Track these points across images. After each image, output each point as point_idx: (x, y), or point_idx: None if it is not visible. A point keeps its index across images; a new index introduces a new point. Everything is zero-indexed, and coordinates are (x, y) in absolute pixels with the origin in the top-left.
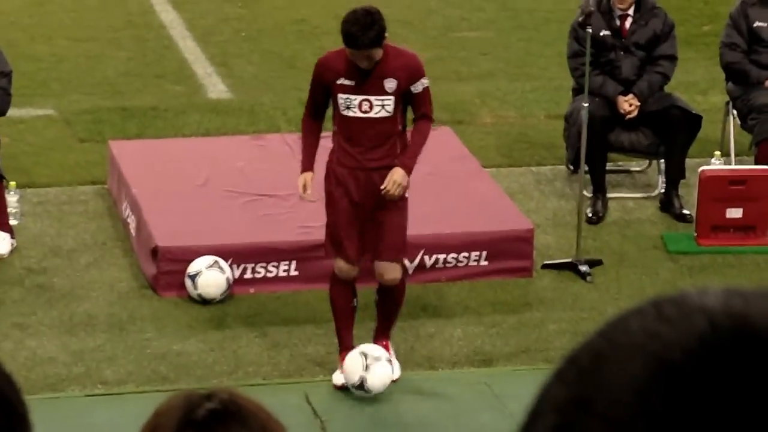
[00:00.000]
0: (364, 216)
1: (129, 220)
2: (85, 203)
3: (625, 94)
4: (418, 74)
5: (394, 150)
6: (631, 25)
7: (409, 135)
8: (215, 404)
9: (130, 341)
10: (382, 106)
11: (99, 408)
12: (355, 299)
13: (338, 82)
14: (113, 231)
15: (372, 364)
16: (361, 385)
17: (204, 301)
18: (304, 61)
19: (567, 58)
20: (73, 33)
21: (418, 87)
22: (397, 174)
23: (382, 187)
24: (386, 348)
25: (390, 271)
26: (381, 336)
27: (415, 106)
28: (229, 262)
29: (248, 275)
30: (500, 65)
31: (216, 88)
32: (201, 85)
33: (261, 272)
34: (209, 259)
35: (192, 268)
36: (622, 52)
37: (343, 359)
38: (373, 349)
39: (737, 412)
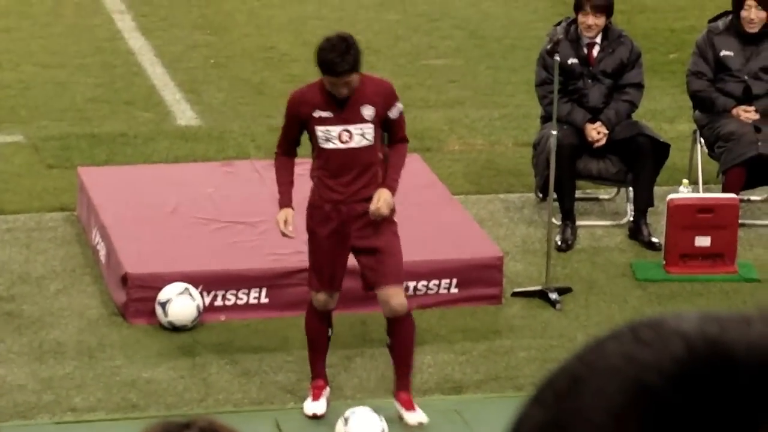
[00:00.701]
0: (345, 250)
1: (98, 247)
2: (54, 230)
3: (593, 121)
4: (393, 99)
5: (376, 179)
6: (599, 53)
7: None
8: None
9: (99, 369)
10: (362, 135)
11: None
12: (330, 329)
13: (315, 114)
14: (82, 258)
15: None
16: None
17: (174, 329)
18: (273, 88)
19: (535, 86)
20: (41, 59)
21: (394, 112)
22: (384, 193)
23: (371, 207)
24: (407, 402)
25: (396, 296)
26: (402, 388)
27: (393, 131)
28: (200, 289)
29: (218, 302)
30: (468, 93)
31: (185, 114)
32: (170, 112)
33: (231, 299)
34: (179, 286)
35: (162, 296)
36: (589, 80)
37: (314, 388)
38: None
39: None
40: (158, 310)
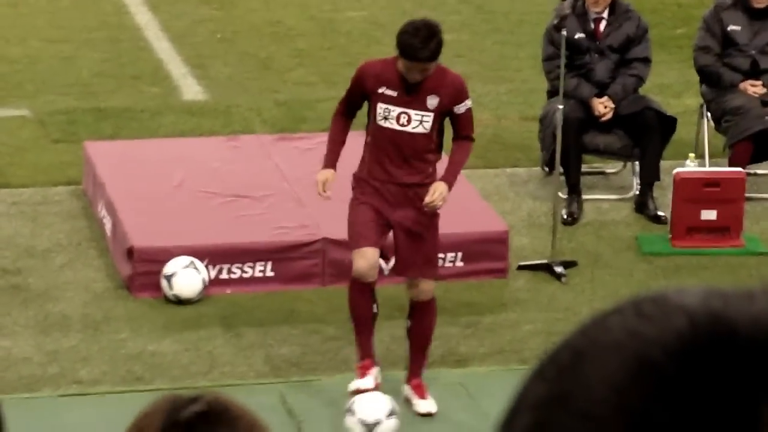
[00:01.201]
0: (385, 226)
1: (104, 220)
2: (59, 204)
3: (599, 96)
4: (463, 95)
5: (426, 168)
6: (605, 28)
7: (441, 156)
8: (201, 406)
9: (104, 341)
10: (420, 122)
11: (73, 408)
12: (375, 305)
13: (380, 90)
14: (88, 231)
15: (392, 416)
16: (373, 426)
17: (179, 302)
18: (279, 62)
19: (542, 60)
20: (47, 34)
21: (461, 108)
22: (441, 187)
23: (426, 199)
24: (420, 389)
25: (429, 290)
26: (416, 375)
27: (458, 127)
28: (205, 262)
29: (224, 276)
30: (475, 68)
31: (191, 89)
32: (176, 87)
33: (237, 273)
34: (185, 259)
35: (168, 269)
36: (596, 55)
37: (361, 368)
38: (396, 405)
39: (715, 412)
40: (163, 283)
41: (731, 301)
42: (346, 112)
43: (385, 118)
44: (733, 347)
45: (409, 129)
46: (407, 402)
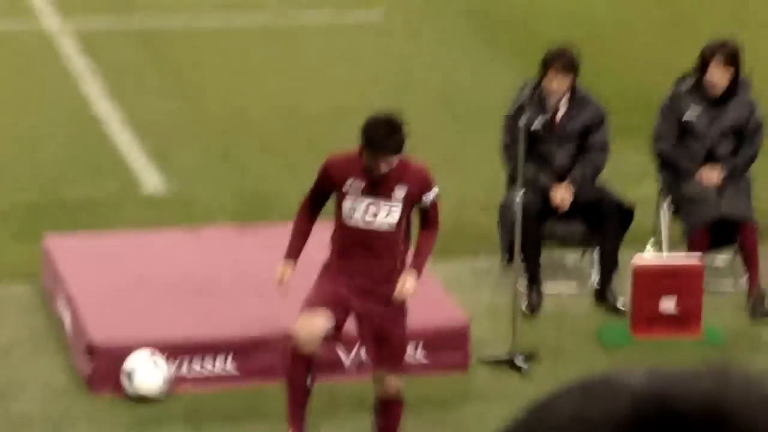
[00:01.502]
0: (345, 312)
1: (63, 315)
2: (19, 299)
3: (560, 181)
4: (430, 183)
5: (395, 263)
6: (564, 115)
7: (409, 246)
8: None
9: None
10: (389, 212)
11: None
12: (310, 378)
13: (347, 183)
14: (47, 327)
15: None
16: None
17: (141, 399)
18: (242, 152)
19: (501, 149)
20: (8, 126)
21: (430, 196)
22: (411, 279)
23: (396, 292)
24: None
25: (396, 385)
26: None
27: (427, 217)
28: (166, 356)
29: (185, 372)
30: (435, 158)
31: (151, 181)
32: (136, 179)
33: (198, 368)
34: (145, 353)
35: (128, 365)
36: (555, 143)
37: None
38: None
39: None
40: (124, 380)
41: (675, 381)
42: (312, 206)
43: (351, 216)
44: (677, 427)
45: (375, 226)
46: None
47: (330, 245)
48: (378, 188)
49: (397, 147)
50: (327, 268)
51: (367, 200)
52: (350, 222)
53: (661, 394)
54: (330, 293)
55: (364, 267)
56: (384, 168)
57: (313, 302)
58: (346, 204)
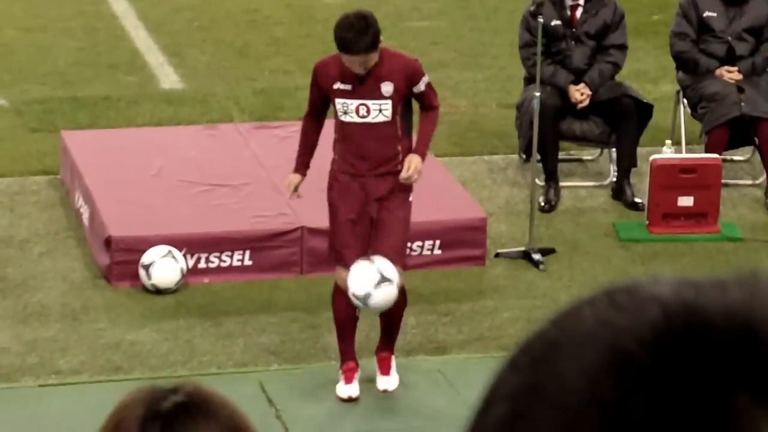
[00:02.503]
0: (366, 224)
1: (82, 210)
2: (37, 193)
3: (576, 83)
4: (418, 75)
5: (396, 156)
6: (582, 14)
7: (412, 139)
8: (181, 397)
9: (83, 331)
10: (379, 111)
11: (53, 398)
12: (357, 309)
13: (335, 86)
14: (66, 221)
15: (383, 284)
16: (365, 299)
17: (158, 291)
18: (257, 50)
19: (518, 47)
20: (23, 23)
21: (420, 86)
22: (416, 160)
23: (402, 174)
24: (384, 363)
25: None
26: (384, 349)
27: (423, 102)
28: (183, 251)
29: (202, 265)
30: (452, 55)
31: (168, 78)
32: (153, 75)
33: (215, 262)
34: (163, 248)
35: (146, 258)
36: (573, 42)
37: (346, 371)
38: (389, 271)
39: (690, 401)
40: (142, 272)
41: (703, 290)
42: (313, 112)
43: (345, 113)
44: (706, 337)
45: (370, 120)
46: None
47: (333, 149)
48: (365, 88)
49: (370, 45)
50: (332, 185)
51: (356, 101)
52: (345, 118)
53: (690, 304)
54: (349, 233)
55: (364, 163)
56: (362, 68)
57: (340, 254)
58: (339, 106)
